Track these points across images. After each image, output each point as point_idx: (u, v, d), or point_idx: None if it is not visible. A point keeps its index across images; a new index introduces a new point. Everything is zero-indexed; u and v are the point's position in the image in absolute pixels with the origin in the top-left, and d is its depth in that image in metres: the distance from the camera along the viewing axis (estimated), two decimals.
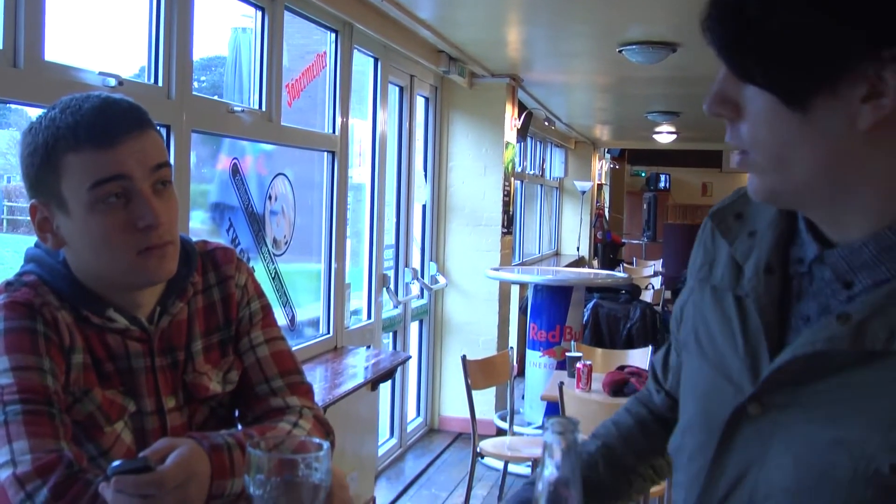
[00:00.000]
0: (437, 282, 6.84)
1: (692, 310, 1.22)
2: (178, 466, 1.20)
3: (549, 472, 0.94)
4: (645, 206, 18.31)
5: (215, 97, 3.83)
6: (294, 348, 1.71)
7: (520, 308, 8.09)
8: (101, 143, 1.35)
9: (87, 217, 1.37)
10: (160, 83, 3.13)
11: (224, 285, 1.58)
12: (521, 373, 7.17)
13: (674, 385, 1.35)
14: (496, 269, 6.73)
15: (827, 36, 0.90)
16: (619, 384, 4.30)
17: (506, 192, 7.07)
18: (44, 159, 1.36)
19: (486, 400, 6.56)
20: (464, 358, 4.80)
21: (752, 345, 1.07)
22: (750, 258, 1.10)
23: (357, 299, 5.34)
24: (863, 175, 0.97)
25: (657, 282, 11.26)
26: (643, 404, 1.42)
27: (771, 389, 1.03)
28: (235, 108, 3.65)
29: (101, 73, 2.75)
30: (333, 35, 4.71)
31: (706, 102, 1.02)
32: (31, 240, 1.51)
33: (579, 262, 12.13)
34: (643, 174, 19.98)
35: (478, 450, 4.75)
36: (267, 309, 1.64)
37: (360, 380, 4.11)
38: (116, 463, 1.19)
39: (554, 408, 3.98)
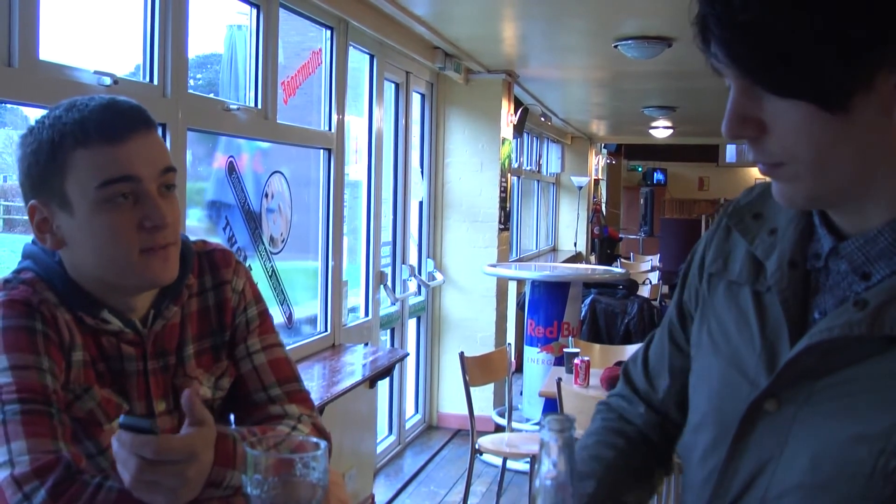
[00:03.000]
0: (434, 278, 6.84)
1: (702, 306, 1.20)
2: (182, 441, 1.20)
3: (546, 469, 0.94)
4: (642, 201, 18.32)
5: (211, 95, 3.83)
6: (291, 346, 1.71)
7: (517, 304, 8.09)
8: (111, 138, 1.35)
9: (93, 215, 1.36)
10: (156, 81, 3.13)
11: (220, 290, 1.57)
12: (519, 369, 7.18)
13: (668, 393, 1.29)
14: (493, 266, 6.73)
15: (859, 35, 0.88)
16: (617, 380, 4.29)
17: (502, 188, 7.07)
18: (49, 157, 1.36)
19: (484, 396, 6.56)
20: (462, 354, 4.80)
21: (770, 339, 1.06)
22: (772, 254, 1.09)
23: (354, 296, 5.34)
24: (889, 164, 0.96)
25: (654, 277, 11.26)
26: (621, 426, 1.34)
27: (787, 384, 1.01)
28: (231, 106, 3.64)
29: (96, 72, 2.75)
30: (329, 32, 4.70)
31: (725, 128, 0.98)
32: (27, 239, 1.51)
33: (576, 258, 12.13)
34: (640, 169, 19.98)
35: (476, 446, 4.75)
36: (264, 315, 1.63)
37: (358, 377, 4.11)
38: (127, 417, 1.20)
39: (552, 404, 3.98)
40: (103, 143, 1.35)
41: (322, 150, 4.70)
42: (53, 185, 1.37)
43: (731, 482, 1.06)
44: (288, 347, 1.66)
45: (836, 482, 0.96)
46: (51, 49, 2.61)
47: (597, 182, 14.50)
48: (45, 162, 1.37)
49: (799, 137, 0.94)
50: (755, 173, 15.28)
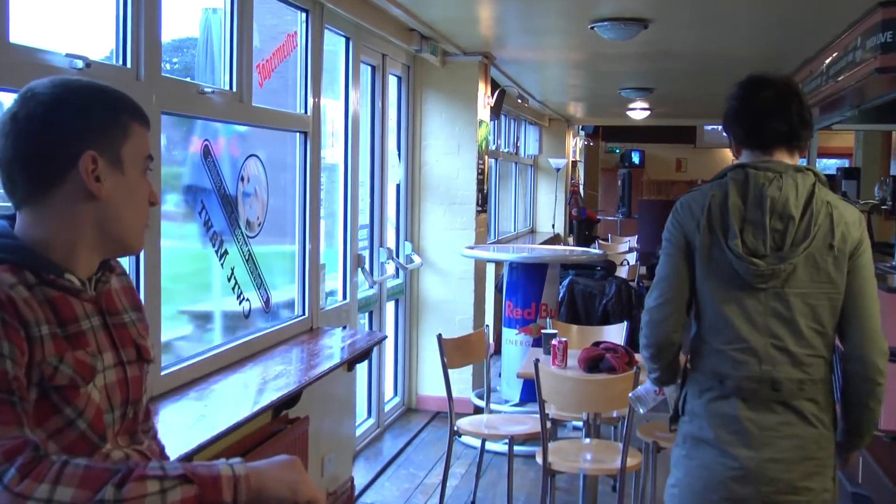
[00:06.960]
0: (412, 261, 6.84)
1: None
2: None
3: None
4: (619, 183, 18.32)
5: (188, 79, 3.80)
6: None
7: (495, 286, 8.11)
8: (146, 120, 1.59)
9: (138, 181, 1.56)
10: (129, 65, 3.10)
11: (126, 277, 1.72)
12: (498, 351, 7.20)
13: None
14: (471, 248, 6.74)
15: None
16: (595, 360, 4.33)
17: (480, 171, 7.07)
18: (113, 118, 1.52)
19: (462, 378, 6.58)
20: (440, 337, 4.82)
21: None
22: None
23: (332, 280, 5.33)
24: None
25: (632, 258, 11.31)
26: None
27: None
28: (206, 90, 3.62)
29: (68, 55, 2.72)
30: (304, 15, 4.67)
31: None
32: None
33: (554, 240, 12.16)
34: (617, 151, 20.02)
35: (455, 428, 4.77)
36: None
37: (336, 360, 4.11)
38: None
39: (530, 385, 4.00)
40: (144, 123, 1.58)
41: (298, 134, 4.68)
42: (113, 144, 1.51)
43: None
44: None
45: None
46: (21, 32, 2.58)
47: (574, 164, 14.53)
48: (108, 121, 1.51)
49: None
50: (731, 154, 15.39)
